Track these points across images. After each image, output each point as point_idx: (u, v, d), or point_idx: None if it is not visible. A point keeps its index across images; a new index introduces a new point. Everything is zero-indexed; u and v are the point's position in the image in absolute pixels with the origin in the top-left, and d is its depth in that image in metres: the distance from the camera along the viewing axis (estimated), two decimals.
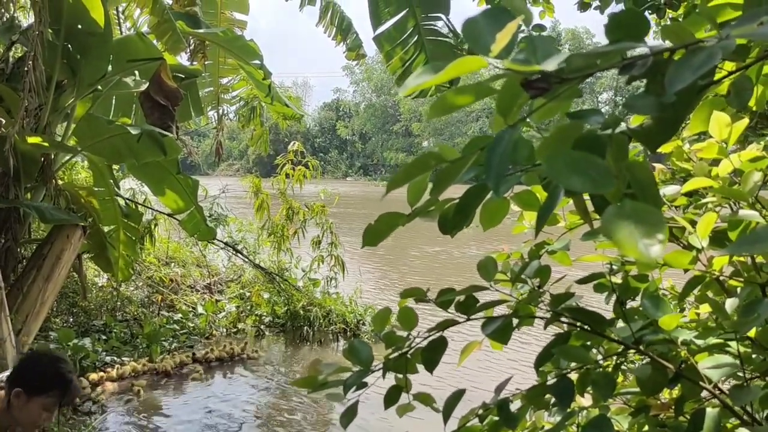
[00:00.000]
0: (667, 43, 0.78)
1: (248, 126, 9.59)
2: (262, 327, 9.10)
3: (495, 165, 0.77)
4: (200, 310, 9.22)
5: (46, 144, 5.51)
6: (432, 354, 1.35)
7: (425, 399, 1.44)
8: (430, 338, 1.36)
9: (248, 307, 9.52)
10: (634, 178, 0.72)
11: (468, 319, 1.36)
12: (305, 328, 8.85)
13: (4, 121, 5.17)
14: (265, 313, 9.35)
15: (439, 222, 1.33)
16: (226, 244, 9.68)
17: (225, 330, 8.90)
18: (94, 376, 6.38)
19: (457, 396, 1.32)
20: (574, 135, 0.75)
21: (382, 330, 1.41)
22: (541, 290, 1.43)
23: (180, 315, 8.89)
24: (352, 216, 24.08)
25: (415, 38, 5.82)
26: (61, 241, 5.67)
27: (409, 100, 73.16)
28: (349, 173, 79.29)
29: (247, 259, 9.82)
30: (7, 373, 2.88)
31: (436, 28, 5.83)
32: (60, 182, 6.19)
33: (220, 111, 8.97)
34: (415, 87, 0.71)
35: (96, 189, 6.49)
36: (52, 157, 5.92)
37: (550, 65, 0.65)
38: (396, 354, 1.38)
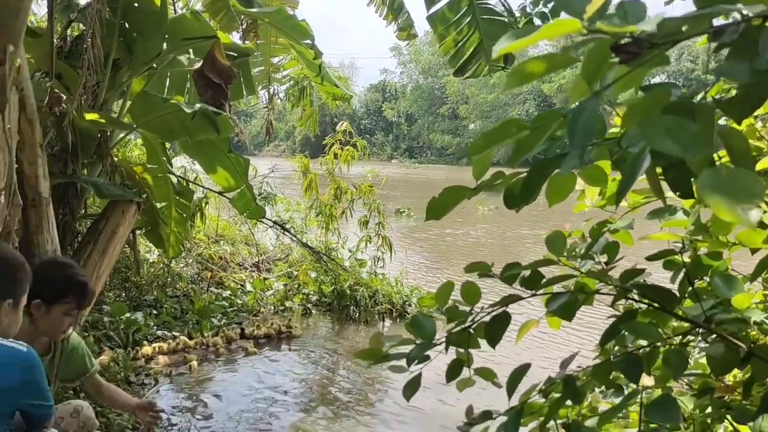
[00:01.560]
0: (761, 8, 0.75)
1: (298, 106, 9.65)
2: (309, 306, 9.19)
3: (578, 134, 0.76)
4: (248, 287, 9.36)
5: (102, 120, 5.61)
6: (495, 329, 1.35)
7: (487, 373, 1.44)
8: (493, 313, 1.36)
9: (295, 286, 9.62)
10: (729, 145, 0.71)
11: (533, 295, 1.35)
12: (351, 307, 8.91)
13: (64, 97, 5.29)
14: (312, 292, 9.44)
15: (505, 196, 1.32)
16: (274, 222, 9.77)
17: (272, 308, 9.01)
18: (147, 349, 6.54)
19: (522, 370, 1.31)
20: (662, 103, 0.73)
21: (444, 304, 1.41)
22: (609, 266, 1.41)
23: (229, 292, 9.04)
24: (398, 198, 24.10)
25: (469, 17, 5.76)
26: (116, 217, 5.79)
27: (456, 83, 72.69)
28: (395, 155, 79.22)
29: (295, 238, 9.91)
30: None
31: (490, 6, 5.76)
32: (115, 159, 6.31)
33: (271, 90, 9.03)
34: (504, 50, 0.70)
35: (149, 166, 6.60)
36: (108, 133, 6.04)
37: (647, 26, 0.63)
38: (458, 328, 1.38)
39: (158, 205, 6.67)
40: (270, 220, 9.47)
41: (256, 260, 10.71)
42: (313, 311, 9.14)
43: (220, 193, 8.19)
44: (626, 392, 1.44)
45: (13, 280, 2.22)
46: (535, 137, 0.87)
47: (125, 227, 5.85)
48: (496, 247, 15.90)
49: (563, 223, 1.94)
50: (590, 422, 1.47)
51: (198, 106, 5.59)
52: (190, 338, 7.06)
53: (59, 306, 2.86)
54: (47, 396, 2.23)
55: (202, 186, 9.21)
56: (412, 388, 1.35)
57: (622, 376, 1.34)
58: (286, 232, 9.98)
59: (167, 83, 7.25)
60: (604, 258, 1.45)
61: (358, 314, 8.88)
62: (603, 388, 1.55)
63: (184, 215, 7.06)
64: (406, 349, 1.39)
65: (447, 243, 16.49)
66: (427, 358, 1.37)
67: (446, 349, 1.38)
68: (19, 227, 4.86)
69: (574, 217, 1.89)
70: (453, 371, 1.41)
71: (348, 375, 6.74)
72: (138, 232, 6.79)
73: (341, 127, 10.01)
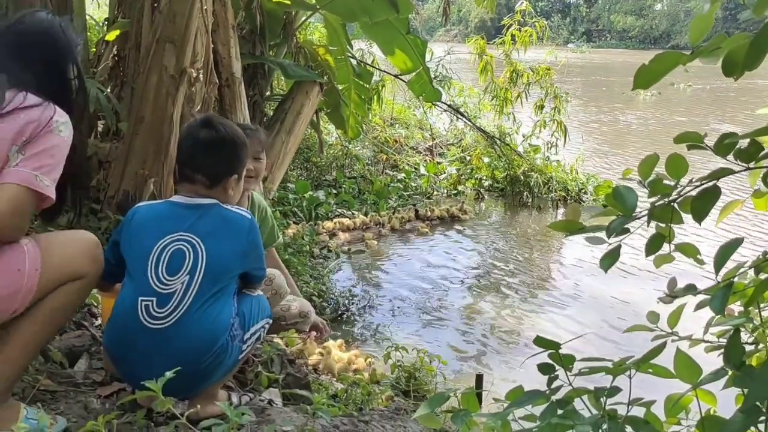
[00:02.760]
0: None
1: None
2: (481, 190, 9.24)
3: None
4: (422, 171, 9.52)
5: (288, 2, 5.77)
6: (703, 203, 1.29)
7: (688, 249, 1.40)
8: (702, 187, 1.30)
9: (468, 171, 9.66)
10: None
11: (747, 169, 1.28)
12: (525, 193, 8.85)
13: None
14: (484, 177, 9.45)
15: (725, 62, 1.24)
16: (449, 106, 9.74)
17: (445, 191, 9.14)
18: (328, 224, 6.90)
19: (734, 245, 1.26)
20: None
21: (647, 177, 1.36)
22: None
23: (403, 175, 9.25)
24: (576, 83, 23.14)
25: None
26: (301, 97, 6.03)
27: None
28: (571, 39, 75.36)
29: (469, 122, 9.86)
30: None
31: None
32: (299, 40, 6.50)
33: None
34: None
35: (331, 48, 6.74)
36: (293, 14, 6.20)
37: None
38: (662, 202, 1.34)
39: (339, 87, 6.85)
40: (444, 103, 9.45)
41: (430, 144, 10.82)
42: (486, 196, 9.19)
43: (396, 76, 8.25)
44: None
45: (238, 156, 2.40)
46: None
47: (309, 107, 6.08)
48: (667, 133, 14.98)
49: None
50: None
51: None
52: (368, 217, 7.36)
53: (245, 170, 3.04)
54: (264, 260, 2.44)
55: (379, 69, 9.30)
56: (610, 259, 1.34)
57: None
58: (460, 116, 9.94)
59: None
60: None
61: (531, 200, 8.82)
62: None
63: (363, 97, 7.21)
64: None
65: (620, 129, 15.76)
66: (627, 230, 1.35)
67: (648, 222, 1.34)
68: (215, 106, 5.20)
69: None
70: (653, 246, 1.38)
71: (519, 259, 6.79)
72: (320, 113, 7.03)
73: (521, 5, 9.63)
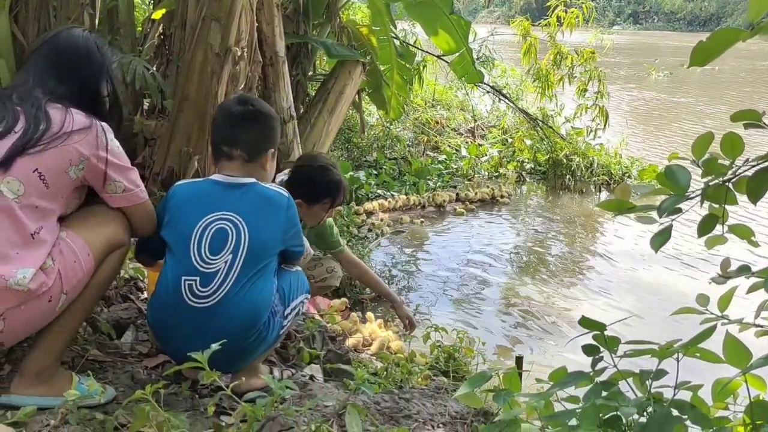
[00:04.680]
0: None
1: None
2: (523, 173, 9.16)
3: None
4: (464, 152, 9.47)
5: None
6: (759, 183, 1.26)
7: (742, 231, 1.37)
8: (759, 167, 1.27)
9: (510, 153, 9.57)
10: None
11: None
12: (567, 177, 8.75)
13: None
14: (526, 160, 9.36)
15: None
16: (491, 87, 9.65)
17: (486, 173, 9.07)
18: (368, 205, 6.91)
19: None
20: None
21: (701, 156, 1.33)
22: None
23: (444, 156, 9.21)
24: (621, 66, 22.74)
25: None
26: (343, 77, 6.02)
27: None
28: (617, 21, 73.88)
29: (511, 104, 9.76)
30: (284, 174, 3.26)
31: None
32: (342, 20, 6.49)
33: None
34: None
35: (374, 28, 6.72)
36: None
37: None
38: (717, 181, 1.31)
39: (381, 67, 6.83)
40: (487, 84, 9.37)
41: (471, 126, 10.74)
42: (527, 179, 9.10)
43: (439, 56, 8.20)
44: None
45: (274, 132, 2.41)
46: None
47: (352, 87, 6.08)
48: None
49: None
50: None
51: None
52: (408, 198, 7.35)
53: (318, 205, 3.20)
54: (302, 238, 2.46)
55: (421, 49, 9.24)
56: (662, 238, 1.31)
57: None
58: (502, 98, 9.84)
59: None
60: None
61: (573, 184, 8.71)
62: None
63: (405, 78, 7.18)
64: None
65: (667, 116, 15.45)
66: (679, 210, 1.33)
67: (701, 203, 1.32)
68: (259, 84, 5.23)
69: None
70: (706, 226, 1.35)
71: (560, 242, 6.73)
72: (362, 93, 7.02)
73: None
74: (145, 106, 5.52)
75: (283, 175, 3.30)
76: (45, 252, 1.82)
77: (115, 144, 2.01)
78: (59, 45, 2.07)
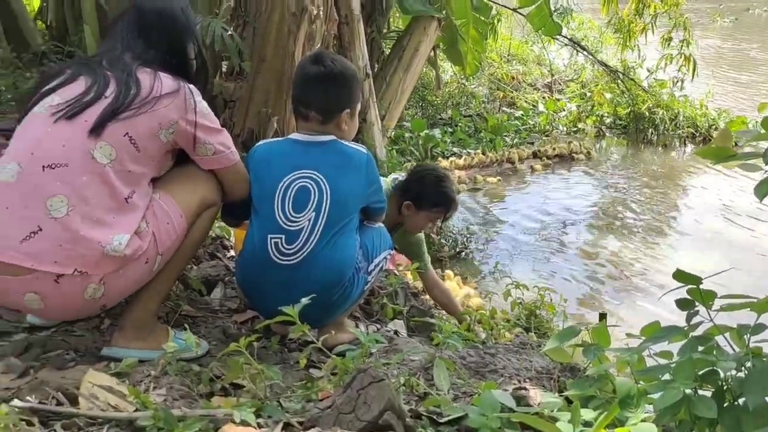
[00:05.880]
0: None
1: None
2: (602, 128, 8.92)
3: None
4: (541, 108, 9.28)
5: None
6: None
7: None
8: None
9: (589, 107, 9.32)
10: None
11: None
12: (649, 130, 8.48)
13: None
14: (606, 114, 9.10)
15: None
16: (570, 40, 9.38)
17: (564, 129, 8.89)
18: (444, 163, 6.87)
19: None
20: None
21: None
22: None
23: (521, 112, 9.05)
24: (707, 14, 21.68)
25: None
26: (418, 33, 5.96)
27: None
28: None
29: (591, 56, 9.48)
30: (400, 175, 3.29)
31: None
32: None
33: None
34: None
35: None
36: None
37: None
38: None
39: (456, 23, 6.71)
40: (564, 37, 9.11)
41: (548, 81, 10.50)
42: (607, 134, 8.88)
43: (515, 9, 8.01)
44: None
45: (350, 91, 2.40)
46: None
47: (426, 44, 6.01)
48: None
49: None
50: None
51: None
52: (484, 155, 7.27)
53: (427, 212, 3.26)
54: (383, 194, 2.46)
55: (497, 3, 9.03)
56: (765, 188, 1.26)
57: None
58: (581, 50, 9.56)
59: None
60: None
61: (656, 138, 8.44)
62: None
63: (481, 32, 7.04)
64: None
65: (757, 65, 14.70)
66: None
67: None
68: (334, 43, 5.23)
69: None
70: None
71: (642, 198, 6.55)
72: (437, 49, 6.93)
73: None
74: (224, 69, 5.60)
75: (399, 175, 3.40)
76: (139, 216, 1.88)
77: (203, 106, 2.04)
78: (145, 10, 2.10)
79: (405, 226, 3.29)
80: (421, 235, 3.48)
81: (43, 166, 1.78)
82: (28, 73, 5.56)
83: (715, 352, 1.40)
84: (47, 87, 1.93)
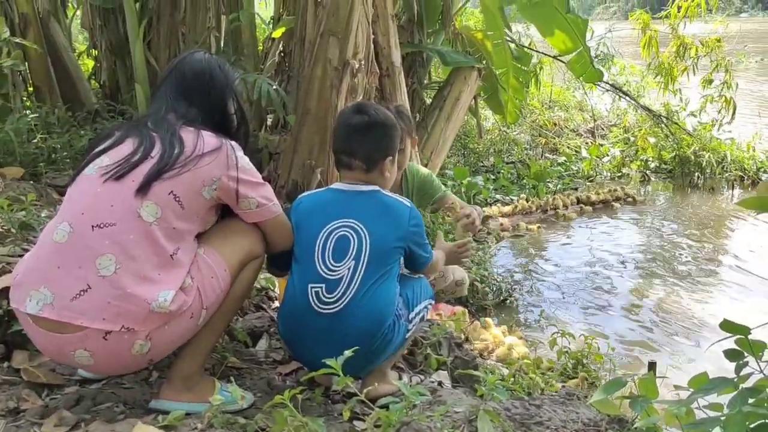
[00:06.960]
0: None
1: None
2: (647, 172, 8.83)
3: None
4: (584, 153, 9.24)
5: None
6: None
7: None
8: None
9: (633, 152, 9.26)
10: None
11: None
12: (695, 174, 8.37)
13: None
14: (651, 158, 9.02)
15: None
16: (611, 85, 9.38)
17: (608, 174, 8.83)
18: (487, 210, 6.86)
19: None
20: None
21: None
22: None
23: (563, 158, 9.02)
24: (750, 55, 21.45)
25: None
26: (459, 83, 6.03)
27: None
28: (744, 9, 69.99)
29: (633, 101, 9.44)
30: None
31: None
32: (456, 27, 6.51)
33: None
34: None
35: (488, 33, 6.69)
36: (450, 1, 6.21)
37: None
38: None
39: (497, 72, 6.79)
40: (606, 83, 9.11)
41: (591, 126, 10.48)
42: (652, 178, 8.78)
43: (555, 57, 8.06)
44: None
45: (391, 138, 2.46)
46: None
47: (467, 93, 6.08)
48: None
49: None
50: None
51: None
52: (527, 202, 7.25)
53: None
54: (428, 247, 2.49)
55: (537, 51, 9.10)
56: None
57: None
58: (623, 95, 9.54)
59: None
60: None
61: (702, 181, 8.32)
62: None
63: (521, 81, 7.10)
64: None
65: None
66: None
67: None
68: (376, 95, 5.32)
69: None
70: None
71: (690, 243, 6.42)
72: (478, 98, 7.00)
73: None
74: (269, 122, 5.74)
75: None
76: (184, 272, 1.93)
77: (245, 161, 2.10)
78: (184, 70, 2.19)
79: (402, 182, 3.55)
80: (425, 170, 3.87)
81: (93, 226, 1.84)
82: (83, 131, 5.75)
83: (766, 404, 1.38)
84: (98, 149, 2.01)
